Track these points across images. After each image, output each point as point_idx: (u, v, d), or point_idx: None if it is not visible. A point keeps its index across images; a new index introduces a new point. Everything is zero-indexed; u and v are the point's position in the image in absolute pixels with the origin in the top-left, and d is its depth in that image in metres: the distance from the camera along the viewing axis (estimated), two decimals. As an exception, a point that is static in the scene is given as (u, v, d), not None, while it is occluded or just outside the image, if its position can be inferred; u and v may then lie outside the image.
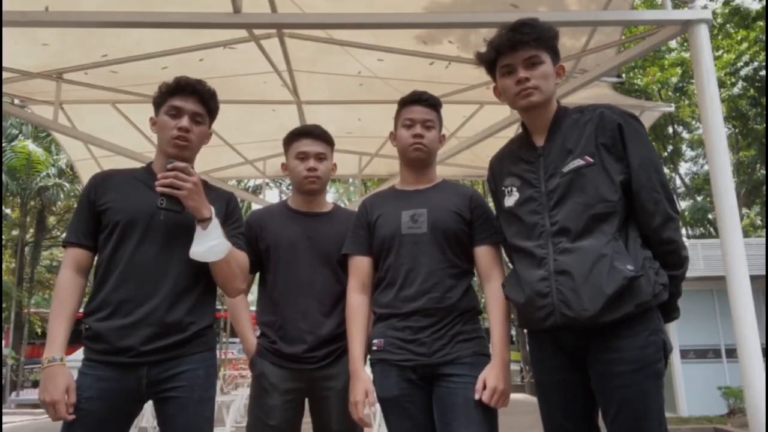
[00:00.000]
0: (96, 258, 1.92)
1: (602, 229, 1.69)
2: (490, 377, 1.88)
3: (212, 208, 1.83)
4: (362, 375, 1.98)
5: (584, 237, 1.70)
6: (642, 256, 1.69)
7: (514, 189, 1.86)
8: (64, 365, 1.74)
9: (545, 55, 1.81)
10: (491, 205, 2.11)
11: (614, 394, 1.64)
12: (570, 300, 1.66)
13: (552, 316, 1.69)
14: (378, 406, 2.00)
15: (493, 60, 1.86)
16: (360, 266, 2.11)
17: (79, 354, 1.84)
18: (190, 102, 1.92)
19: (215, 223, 1.82)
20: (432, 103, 2.13)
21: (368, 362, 2.06)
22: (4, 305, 15.76)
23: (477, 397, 1.86)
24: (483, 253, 2.04)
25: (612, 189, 1.71)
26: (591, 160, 1.74)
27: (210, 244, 1.79)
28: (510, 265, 1.97)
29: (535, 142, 1.88)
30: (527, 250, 1.79)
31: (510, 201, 1.87)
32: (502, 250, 2.05)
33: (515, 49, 1.79)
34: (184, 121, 1.90)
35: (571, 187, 1.74)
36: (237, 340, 2.38)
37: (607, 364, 1.66)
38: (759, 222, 19.30)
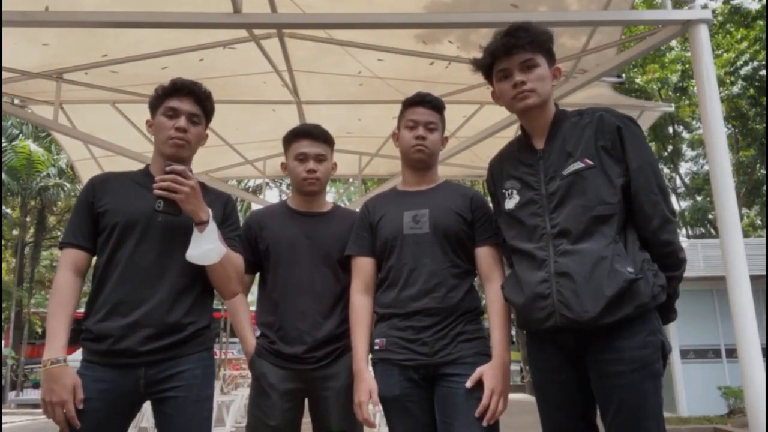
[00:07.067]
0: (94, 260, 1.92)
1: (602, 231, 1.71)
2: (488, 378, 1.87)
3: (210, 211, 1.83)
4: (366, 375, 1.98)
5: (585, 239, 1.71)
6: (641, 258, 1.70)
7: (515, 191, 1.87)
8: (68, 366, 1.73)
9: (540, 58, 1.82)
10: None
11: (613, 394, 1.66)
12: (570, 302, 1.67)
13: (552, 317, 1.70)
14: (380, 405, 2.00)
15: (489, 65, 1.89)
16: (363, 267, 2.11)
17: (79, 354, 1.84)
18: (186, 103, 1.93)
19: (212, 227, 1.82)
20: (435, 104, 2.14)
21: (370, 362, 2.06)
22: (4, 305, 15.76)
23: (469, 386, 1.86)
24: (484, 254, 2.05)
25: (612, 191, 1.73)
26: (591, 162, 1.75)
27: (206, 247, 1.79)
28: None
29: (534, 145, 1.89)
30: (528, 252, 1.80)
31: (510, 204, 1.88)
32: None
33: (510, 53, 1.81)
34: (182, 122, 1.91)
35: (572, 189, 1.75)
36: (237, 340, 2.40)
37: (606, 364, 1.67)
38: (759, 222, 19.29)
